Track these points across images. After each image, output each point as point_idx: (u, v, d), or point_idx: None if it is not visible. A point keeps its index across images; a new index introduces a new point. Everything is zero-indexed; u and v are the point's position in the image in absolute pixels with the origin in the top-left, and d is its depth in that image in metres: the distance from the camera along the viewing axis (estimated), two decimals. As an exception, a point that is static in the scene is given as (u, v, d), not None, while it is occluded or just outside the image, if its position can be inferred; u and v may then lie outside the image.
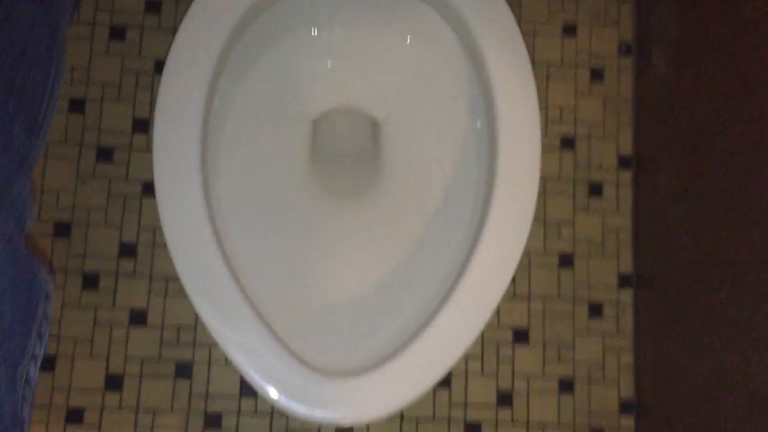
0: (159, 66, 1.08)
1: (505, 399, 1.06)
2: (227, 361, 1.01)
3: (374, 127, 0.92)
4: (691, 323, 0.97)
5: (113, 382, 1.01)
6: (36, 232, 1.01)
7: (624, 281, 1.11)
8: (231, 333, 0.72)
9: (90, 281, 1.02)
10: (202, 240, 0.75)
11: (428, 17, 0.84)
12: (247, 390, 1.02)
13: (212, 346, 1.02)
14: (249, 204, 0.86)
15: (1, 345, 0.48)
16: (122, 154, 1.06)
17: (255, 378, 0.71)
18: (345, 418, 0.70)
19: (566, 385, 1.07)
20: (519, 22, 1.14)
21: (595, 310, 1.09)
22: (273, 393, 0.71)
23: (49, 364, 1.00)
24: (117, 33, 1.09)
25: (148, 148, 1.05)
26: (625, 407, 1.08)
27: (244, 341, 0.72)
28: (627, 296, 1.10)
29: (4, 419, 0.48)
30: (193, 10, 0.78)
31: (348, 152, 0.96)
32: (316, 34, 0.90)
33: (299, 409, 0.70)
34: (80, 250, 1.03)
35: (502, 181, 0.77)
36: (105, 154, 1.06)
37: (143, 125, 1.07)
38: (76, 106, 1.06)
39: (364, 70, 0.90)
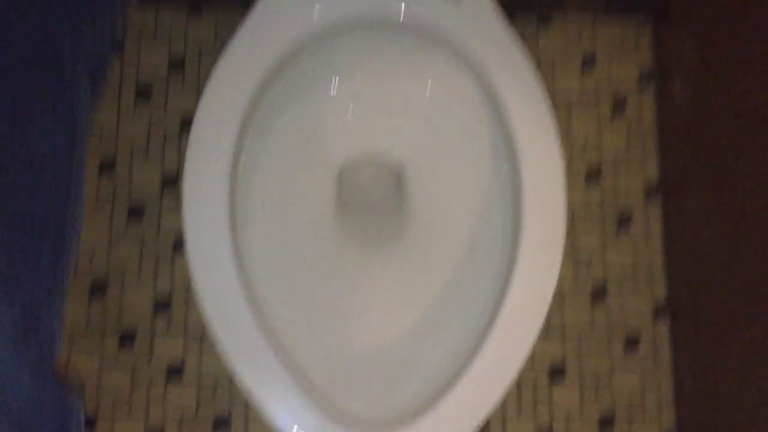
0: (185, 122, 1.11)
1: (544, 438, 1.05)
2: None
3: (399, 175, 0.92)
4: (730, 353, 0.95)
5: (153, 440, 1.02)
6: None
7: (659, 312, 1.09)
8: (265, 392, 0.73)
9: (126, 339, 1.04)
10: (233, 296, 0.76)
11: (447, 64, 0.85)
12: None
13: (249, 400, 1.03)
14: (278, 256, 0.87)
15: None
16: (153, 211, 1.08)
17: None
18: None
19: (606, 422, 1.06)
20: (537, 55, 1.15)
21: (632, 343, 1.08)
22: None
23: (89, 427, 1.02)
24: (143, 91, 1.11)
25: (177, 204, 1.07)
26: (667, 441, 1.06)
27: (278, 399, 0.72)
28: (663, 327, 1.09)
29: None
30: (220, 67, 0.80)
31: (373, 200, 0.96)
32: (337, 84, 0.91)
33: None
34: (115, 308, 1.05)
35: (528, 226, 0.77)
36: (136, 212, 1.08)
37: (172, 181, 1.09)
38: (107, 165, 1.09)
39: (386, 118, 0.91)
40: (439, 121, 0.90)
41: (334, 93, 0.91)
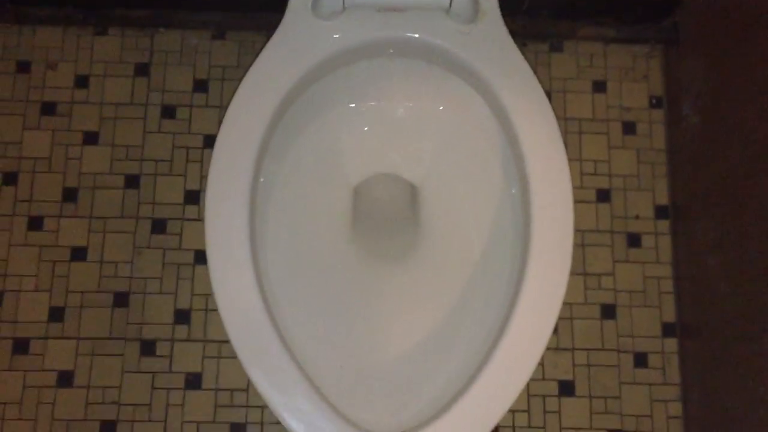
0: (208, 140, 1.15)
1: (554, 453, 1.07)
2: (279, 423, 1.04)
3: (412, 191, 0.96)
4: (736, 371, 0.96)
5: (171, 445, 1.05)
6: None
7: (668, 330, 1.11)
8: (282, 398, 0.75)
9: (148, 347, 1.08)
10: (252, 307, 0.79)
11: (458, 87, 0.88)
12: (299, 450, 1.05)
13: (264, 407, 1.06)
14: (295, 269, 0.90)
15: None
16: (175, 225, 1.12)
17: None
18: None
19: (616, 436, 1.07)
20: (549, 81, 1.19)
21: (641, 360, 1.10)
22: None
23: (111, 429, 1.05)
24: (168, 112, 1.16)
25: (199, 219, 1.11)
26: (676, 459, 1.07)
27: (295, 406, 0.75)
28: (672, 345, 1.11)
29: None
30: (242, 89, 0.84)
31: (388, 216, 0.99)
32: (353, 106, 0.95)
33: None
34: (138, 317, 1.08)
35: (537, 241, 0.80)
36: (159, 226, 1.12)
37: (194, 197, 1.13)
38: (132, 181, 1.13)
39: (399, 138, 0.95)
40: (451, 141, 0.93)
41: (351, 115, 0.95)
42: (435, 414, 0.74)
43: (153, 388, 1.07)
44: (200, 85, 1.18)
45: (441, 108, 0.93)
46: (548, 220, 0.80)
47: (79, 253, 1.10)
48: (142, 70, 1.17)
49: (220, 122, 0.85)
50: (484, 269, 0.90)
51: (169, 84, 1.18)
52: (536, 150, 0.82)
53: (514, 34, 0.86)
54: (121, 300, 1.09)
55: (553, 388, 1.09)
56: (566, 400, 1.08)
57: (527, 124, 0.83)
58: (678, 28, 1.16)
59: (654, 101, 1.20)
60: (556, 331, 1.10)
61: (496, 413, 0.74)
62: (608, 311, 1.12)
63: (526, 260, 0.80)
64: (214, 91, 1.17)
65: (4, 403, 1.05)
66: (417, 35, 0.82)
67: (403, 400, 0.85)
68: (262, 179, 0.88)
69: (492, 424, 0.73)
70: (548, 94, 1.19)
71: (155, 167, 1.14)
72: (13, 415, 1.05)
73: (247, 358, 0.77)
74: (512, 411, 1.07)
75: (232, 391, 1.07)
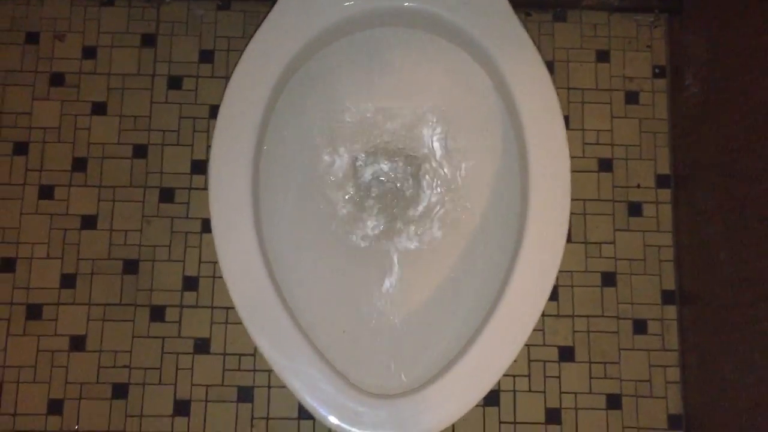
0: (214, 111, 1.16)
1: (553, 417, 1.09)
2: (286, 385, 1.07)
3: (413, 161, 0.97)
4: (733, 337, 0.98)
5: (181, 408, 1.08)
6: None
7: (667, 298, 1.13)
8: (285, 361, 0.78)
9: (157, 313, 1.10)
10: (256, 274, 0.81)
11: (458, 57, 0.89)
12: (305, 413, 1.07)
13: (271, 371, 1.08)
14: (298, 237, 0.92)
15: None
16: (183, 194, 1.14)
17: (309, 402, 0.77)
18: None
19: (614, 402, 1.10)
20: (552, 50, 1.19)
21: (640, 326, 1.12)
22: (326, 416, 0.76)
23: (122, 392, 1.08)
24: (174, 83, 1.17)
25: (206, 188, 1.12)
26: (673, 422, 1.09)
27: (298, 368, 0.77)
28: (671, 312, 1.12)
29: None
30: (246, 55, 0.85)
31: (390, 185, 1.01)
32: (357, 75, 0.95)
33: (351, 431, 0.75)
34: (147, 284, 1.11)
35: (535, 207, 0.81)
36: (167, 195, 1.14)
37: (201, 166, 1.15)
38: (140, 151, 1.15)
39: (401, 108, 0.96)
40: (452, 112, 0.94)
41: (353, 85, 0.96)
42: (435, 375, 0.76)
43: (163, 352, 1.09)
44: (206, 56, 1.19)
45: (442, 78, 0.94)
46: (546, 188, 0.82)
47: (89, 222, 1.13)
48: (148, 40, 1.19)
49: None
50: (484, 236, 0.92)
51: (176, 55, 1.19)
52: (535, 118, 0.83)
53: (517, 3, 0.87)
54: (130, 267, 1.12)
55: (553, 353, 1.11)
56: (566, 366, 1.11)
57: (526, 93, 0.84)
58: (682, -4, 1.17)
59: (657, 71, 1.20)
60: (556, 298, 1.12)
61: (494, 375, 0.76)
62: (608, 279, 1.13)
63: (524, 226, 0.82)
64: (219, 61, 1.19)
65: (19, 367, 1.09)
66: (417, 4, 0.83)
67: (404, 363, 0.87)
68: (265, 147, 0.90)
69: (490, 385, 0.75)
70: (551, 64, 1.20)
71: (162, 137, 1.16)
72: (27, 379, 1.08)
73: (252, 324, 0.80)
74: (513, 376, 1.10)
75: (239, 355, 1.09)
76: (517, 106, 0.82)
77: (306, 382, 0.78)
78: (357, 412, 0.75)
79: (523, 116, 0.83)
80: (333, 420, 0.76)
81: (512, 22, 0.84)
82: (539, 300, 0.80)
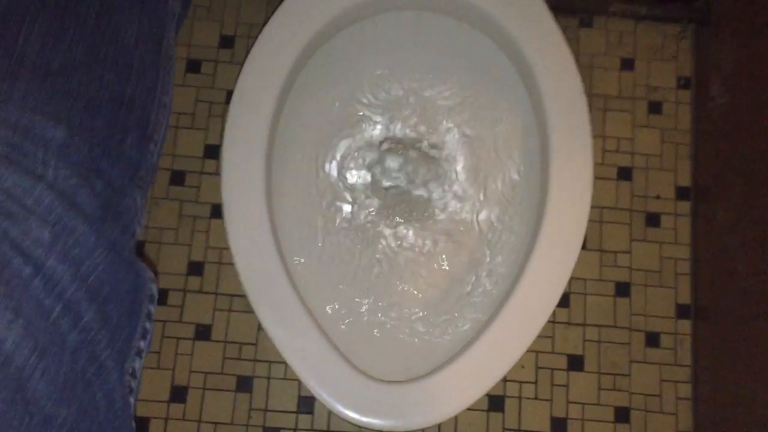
0: (230, 96, 1.14)
1: (559, 426, 1.06)
2: (286, 375, 1.05)
3: (431, 150, 0.95)
4: (750, 353, 0.95)
5: (178, 394, 1.05)
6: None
7: (682, 312, 1.10)
8: (290, 339, 0.76)
9: (160, 297, 1.07)
10: (266, 253, 0.80)
11: (484, 44, 0.88)
12: (303, 407, 1.05)
13: (272, 362, 1.06)
14: (310, 223, 0.91)
15: (110, 342, 0.52)
16: (194, 178, 1.12)
17: (313, 385, 0.75)
18: (396, 425, 0.72)
19: (622, 415, 1.06)
20: (577, 54, 1.18)
21: (653, 339, 1.09)
22: (329, 400, 0.74)
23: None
24: (193, 66, 1.16)
25: (218, 173, 1.11)
26: (683, 440, 1.06)
27: (302, 348, 0.75)
28: (685, 327, 1.10)
29: (116, 404, 0.52)
30: (260, 41, 0.84)
31: (406, 174, 0.99)
32: (376, 63, 0.94)
33: (352, 415, 0.73)
34: (151, 267, 1.09)
35: (552, 205, 0.80)
36: (178, 178, 1.12)
37: (214, 151, 1.13)
38: (153, 132, 1.13)
39: (422, 96, 0.94)
40: (473, 101, 0.92)
41: (373, 70, 0.94)
42: (443, 364, 0.74)
43: (163, 336, 1.07)
44: (226, 42, 1.18)
45: (466, 65, 0.92)
46: (566, 187, 0.80)
47: (97, 200, 1.11)
48: (169, 23, 1.18)
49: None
50: (500, 231, 0.90)
51: (196, 39, 1.18)
52: (560, 117, 0.81)
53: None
54: (136, 249, 1.09)
55: (562, 361, 1.08)
56: (575, 375, 1.08)
57: (553, 89, 0.82)
58: (710, 8, 1.15)
59: (682, 82, 1.18)
60: (568, 305, 1.09)
61: (502, 367, 0.74)
62: (622, 289, 1.11)
63: (540, 223, 0.80)
64: (239, 47, 1.17)
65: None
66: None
67: (414, 353, 0.86)
68: (279, 131, 0.89)
69: (497, 377, 0.73)
70: (575, 69, 1.18)
71: (177, 120, 1.14)
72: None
73: (258, 301, 0.78)
74: (519, 382, 1.07)
75: (240, 344, 1.07)
76: (543, 102, 0.80)
77: (311, 364, 0.76)
78: (362, 397, 0.73)
79: (548, 113, 0.81)
80: (336, 403, 0.73)
81: (542, 10, 0.82)
82: (551, 297, 0.78)
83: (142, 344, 0.58)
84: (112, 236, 0.54)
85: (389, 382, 0.74)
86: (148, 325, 0.58)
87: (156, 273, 1.08)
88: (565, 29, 1.17)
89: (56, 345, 0.47)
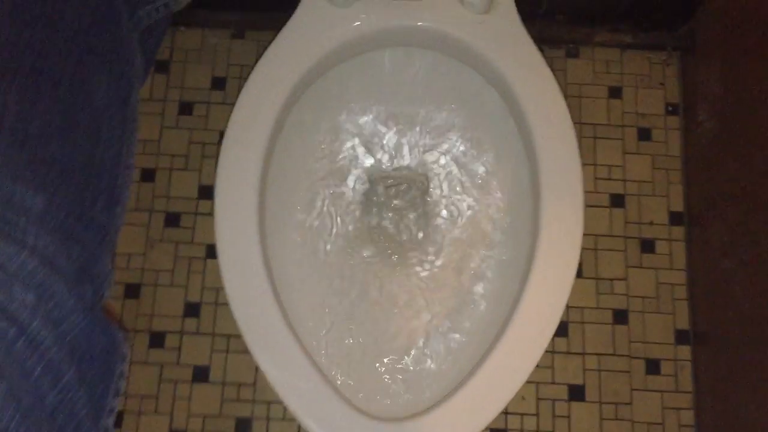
0: (223, 137, 1.16)
1: (562, 458, 1.05)
2: (285, 417, 1.04)
3: (424, 182, 0.96)
4: (751, 377, 0.95)
5: (177, 438, 1.05)
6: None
7: (681, 337, 1.10)
8: (286, 378, 0.75)
9: (156, 339, 1.08)
10: (261, 294, 0.79)
11: (472, 78, 0.89)
12: (304, 447, 1.04)
13: (271, 402, 1.05)
14: (305, 260, 0.91)
15: (88, 401, 0.54)
16: (189, 219, 1.13)
17: (308, 422, 0.74)
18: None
19: (626, 443, 1.06)
20: (565, 84, 1.19)
21: (653, 366, 1.08)
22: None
23: (117, 421, 1.04)
24: (185, 108, 1.17)
25: (212, 213, 1.11)
26: (688, 468, 1.05)
27: (298, 387, 0.74)
28: (685, 352, 1.09)
29: None
30: (252, 78, 0.85)
31: (399, 205, 0.99)
32: (366, 99, 0.95)
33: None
34: (148, 309, 1.09)
35: (545, 235, 0.79)
36: (173, 220, 1.13)
37: (208, 192, 1.14)
38: (147, 175, 1.14)
39: (412, 131, 0.95)
40: (464, 134, 0.93)
41: (363, 106, 0.95)
42: (440, 400, 0.73)
43: (161, 380, 1.07)
44: (218, 83, 1.19)
45: (455, 100, 0.93)
46: (558, 217, 0.80)
47: (92, 244, 1.11)
48: (162, 67, 1.19)
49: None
50: (494, 262, 0.90)
51: (188, 81, 1.19)
52: (550, 148, 0.82)
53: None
54: (132, 291, 1.10)
55: (563, 392, 1.07)
56: (576, 405, 1.07)
57: (541, 120, 0.82)
58: (695, 35, 1.17)
59: (670, 108, 1.19)
60: (566, 334, 1.09)
61: (499, 402, 0.73)
62: (620, 316, 1.10)
63: (534, 254, 0.80)
64: (231, 88, 1.19)
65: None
66: (430, 24, 0.83)
67: (410, 386, 0.85)
68: (272, 169, 0.89)
69: (496, 411, 0.73)
70: (563, 99, 1.19)
71: (171, 162, 1.15)
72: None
73: (254, 342, 0.77)
74: (521, 414, 1.06)
75: (239, 385, 1.06)
76: (532, 133, 0.81)
77: (307, 402, 0.75)
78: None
79: (537, 144, 0.81)
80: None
81: (527, 43, 0.83)
82: (547, 330, 0.77)
83: (114, 402, 0.59)
84: (87, 298, 0.56)
85: (388, 420, 0.74)
86: (121, 384, 0.60)
87: (152, 315, 1.08)
88: (552, 61, 1.20)
89: (38, 405, 0.48)
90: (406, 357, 0.87)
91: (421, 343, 0.88)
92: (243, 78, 1.19)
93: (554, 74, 1.18)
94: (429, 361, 0.87)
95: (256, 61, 1.18)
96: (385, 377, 0.86)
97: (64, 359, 0.51)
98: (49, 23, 0.60)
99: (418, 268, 0.92)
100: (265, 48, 1.18)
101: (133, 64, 0.68)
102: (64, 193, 0.57)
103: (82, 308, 0.54)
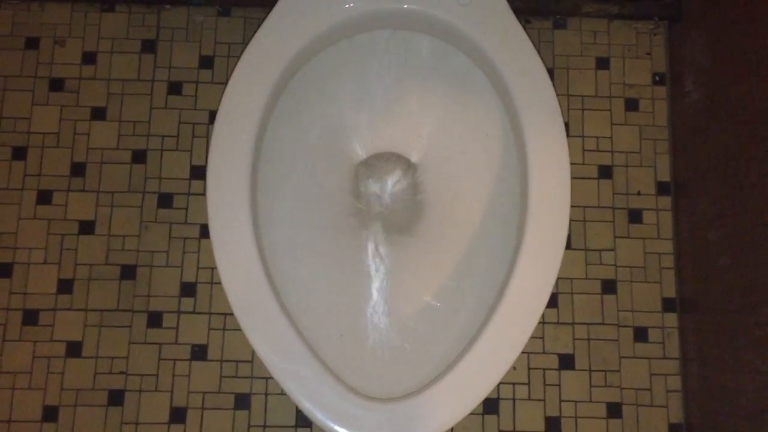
0: (213, 116, 1.16)
1: (553, 425, 1.08)
2: (282, 392, 1.06)
3: (414, 166, 0.96)
4: (735, 344, 0.97)
5: (178, 415, 1.07)
6: None
7: (668, 305, 1.12)
8: (283, 364, 0.77)
9: (154, 319, 1.09)
10: (254, 276, 0.81)
11: (458, 60, 0.89)
12: (302, 421, 1.07)
13: (269, 378, 1.07)
14: (297, 242, 0.92)
15: None
16: (181, 200, 1.14)
17: (306, 406, 0.76)
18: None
19: (614, 410, 1.09)
20: (552, 57, 1.19)
21: (641, 334, 1.11)
22: (323, 419, 0.75)
23: (118, 399, 1.07)
24: (174, 88, 1.17)
25: (205, 193, 1.12)
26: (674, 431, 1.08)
27: (295, 371, 0.76)
28: (672, 320, 1.12)
29: None
30: (243, 61, 0.85)
31: (390, 190, 1.01)
32: (355, 82, 0.95)
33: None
34: (145, 290, 1.10)
35: (534, 212, 0.81)
36: (165, 200, 1.13)
37: (200, 172, 1.14)
38: (139, 156, 1.14)
39: (400, 113, 0.96)
40: (451, 115, 0.94)
41: (352, 90, 0.95)
42: (433, 379, 0.75)
43: (160, 359, 1.09)
44: (206, 62, 1.19)
45: (442, 81, 0.93)
46: (546, 192, 0.82)
47: (87, 227, 1.12)
48: (148, 46, 1.19)
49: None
50: (483, 240, 0.91)
51: (176, 60, 1.19)
52: (535, 123, 0.83)
53: (517, 11, 0.86)
54: (128, 273, 1.11)
55: (553, 361, 1.10)
56: (566, 374, 1.10)
57: (526, 98, 0.84)
58: (681, 4, 1.17)
59: (657, 78, 1.20)
60: (556, 305, 1.11)
61: (492, 379, 0.76)
62: (609, 286, 1.13)
63: (523, 231, 0.81)
64: (219, 67, 1.19)
65: (15, 373, 1.08)
66: (417, 6, 0.83)
67: (402, 367, 0.87)
68: (263, 152, 0.90)
69: (488, 389, 0.75)
70: (551, 71, 1.20)
71: (162, 143, 1.16)
72: (23, 385, 1.07)
73: (249, 326, 0.79)
74: (512, 383, 1.09)
75: (236, 362, 1.09)
76: (517, 110, 0.82)
77: (303, 385, 0.77)
78: (355, 416, 0.74)
79: (523, 120, 0.83)
80: (330, 424, 0.75)
81: (513, 25, 0.83)
82: (538, 305, 0.79)
83: None
84: None
85: (385, 399, 0.76)
86: None
87: (149, 296, 1.10)
88: (539, 32, 1.20)
89: None
90: (402, 331, 0.89)
91: (411, 321, 0.90)
92: (231, 56, 1.19)
93: (542, 46, 1.20)
94: (419, 338, 0.89)
95: (244, 38, 1.20)
96: (380, 355, 0.88)
97: None
98: None
99: (407, 243, 0.94)
100: (252, 26, 1.20)
101: None
102: None
103: None
